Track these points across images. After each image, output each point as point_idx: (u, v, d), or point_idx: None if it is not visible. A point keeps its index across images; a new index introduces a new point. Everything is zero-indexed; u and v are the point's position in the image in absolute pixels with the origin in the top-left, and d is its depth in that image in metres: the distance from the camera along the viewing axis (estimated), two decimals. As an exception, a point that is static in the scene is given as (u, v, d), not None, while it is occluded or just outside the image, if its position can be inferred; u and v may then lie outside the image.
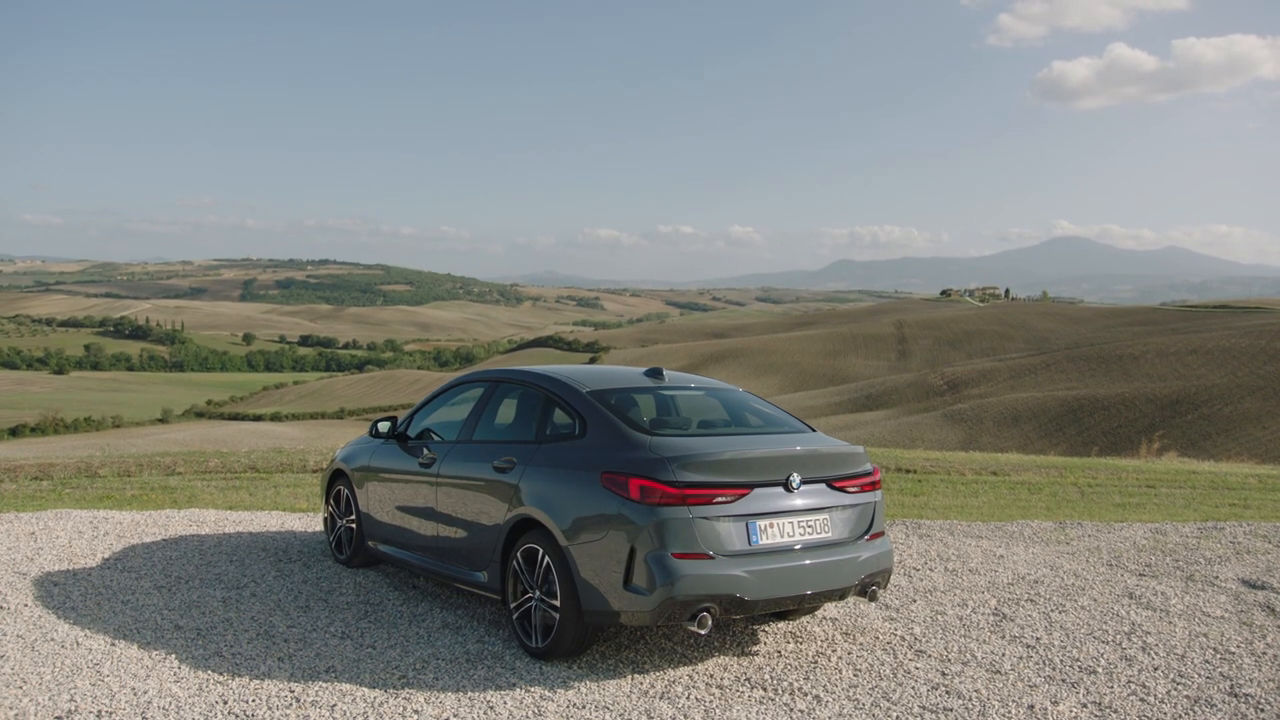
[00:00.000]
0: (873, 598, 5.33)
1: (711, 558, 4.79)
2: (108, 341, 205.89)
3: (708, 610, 4.77)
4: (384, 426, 6.91)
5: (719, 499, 4.85)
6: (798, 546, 5.03)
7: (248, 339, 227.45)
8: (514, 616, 5.39)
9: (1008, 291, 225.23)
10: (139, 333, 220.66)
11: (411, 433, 6.76)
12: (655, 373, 6.09)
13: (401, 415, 7.00)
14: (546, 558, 5.14)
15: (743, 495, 4.91)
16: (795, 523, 5.05)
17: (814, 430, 5.69)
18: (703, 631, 4.78)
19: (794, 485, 5.04)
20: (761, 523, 4.95)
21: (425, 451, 6.36)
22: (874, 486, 5.45)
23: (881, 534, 5.45)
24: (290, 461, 13.27)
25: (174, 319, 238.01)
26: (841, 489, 5.27)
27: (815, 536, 5.11)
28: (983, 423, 68.63)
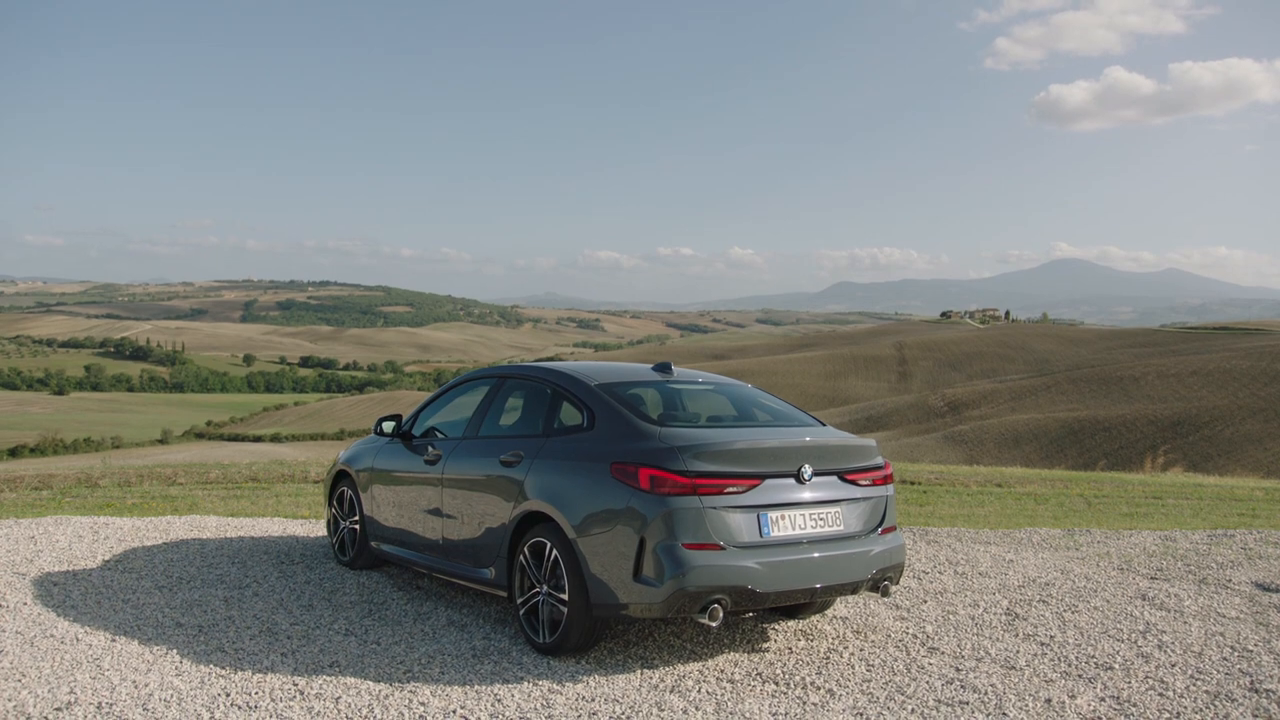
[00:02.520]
0: (885, 593, 5.25)
1: (722, 549, 4.72)
2: (108, 362, 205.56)
3: (719, 602, 4.69)
4: (389, 426, 6.84)
5: (730, 489, 4.78)
6: (809, 539, 4.96)
7: (248, 360, 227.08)
8: (520, 612, 5.31)
9: (1008, 313, 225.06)
10: (139, 353, 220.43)
11: (416, 431, 6.70)
12: (664, 368, 6.03)
13: (406, 414, 6.93)
14: (554, 551, 5.06)
15: (754, 486, 4.84)
16: (807, 515, 4.98)
17: (824, 425, 5.63)
18: (714, 624, 4.71)
19: (805, 477, 4.98)
20: (773, 514, 4.88)
21: (430, 449, 6.30)
22: (886, 480, 5.38)
23: (894, 528, 5.38)
24: (292, 473, 13.21)
25: (174, 340, 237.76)
26: (853, 482, 5.20)
27: (827, 529, 5.04)
28: (983, 444, 68.41)
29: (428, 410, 6.77)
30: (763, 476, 4.88)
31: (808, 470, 4.99)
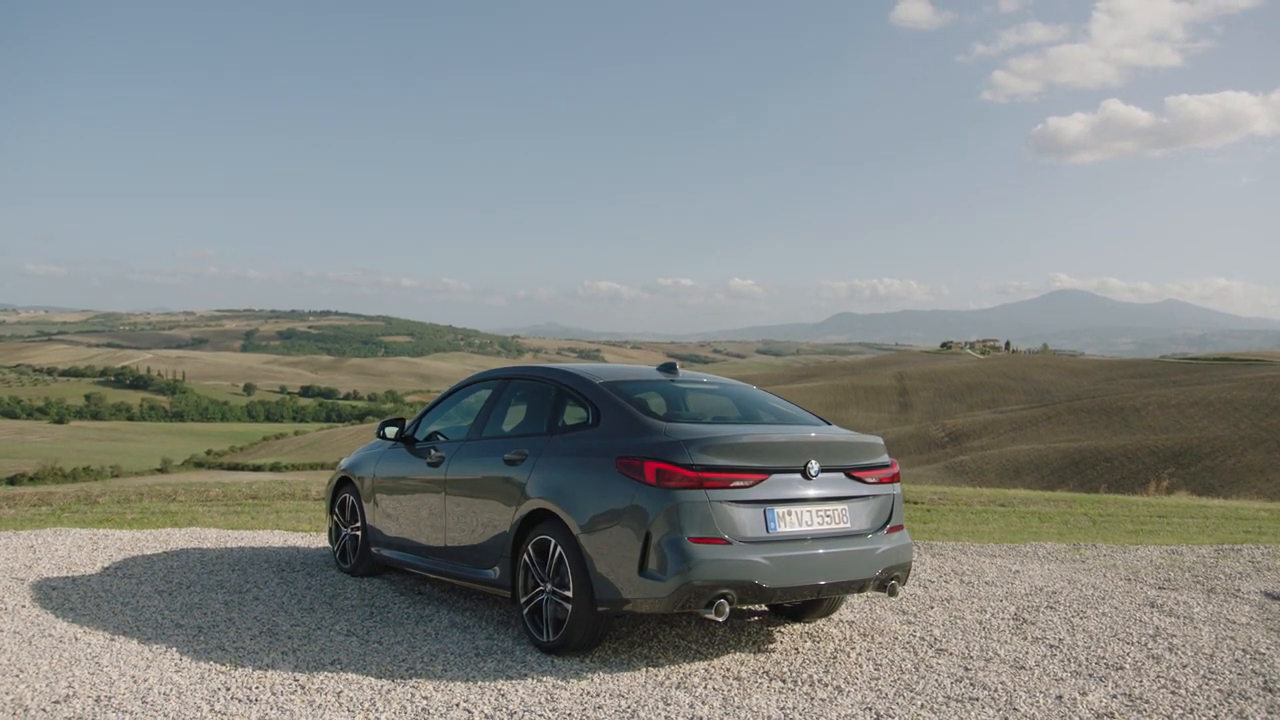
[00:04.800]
0: (892, 592, 5.20)
1: (728, 543, 4.67)
2: (108, 391, 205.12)
3: (724, 597, 4.64)
4: (391, 430, 6.81)
5: (736, 483, 4.74)
6: (815, 535, 4.92)
7: (249, 389, 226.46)
8: (524, 612, 5.25)
9: (1008, 344, 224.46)
10: (140, 383, 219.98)
11: (419, 435, 6.66)
12: (669, 368, 6.01)
13: (409, 418, 6.91)
14: (559, 549, 5.01)
15: (760, 481, 4.80)
16: (814, 512, 4.94)
17: (830, 424, 5.60)
18: (720, 619, 4.65)
19: (812, 472, 4.94)
20: (780, 510, 4.84)
21: (433, 452, 6.26)
22: (893, 479, 5.34)
23: (901, 527, 5.33)
24: (292, 491, 13.12)
25: (175, 369, 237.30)
26: (860, 479, 5.16)
27: (834, 526, 4.99)
28: (985, 474, 68.12)
29: (431, 414, 6.74)
30: (769, 471, 4.85)
31: (814, 466, 4.95)
